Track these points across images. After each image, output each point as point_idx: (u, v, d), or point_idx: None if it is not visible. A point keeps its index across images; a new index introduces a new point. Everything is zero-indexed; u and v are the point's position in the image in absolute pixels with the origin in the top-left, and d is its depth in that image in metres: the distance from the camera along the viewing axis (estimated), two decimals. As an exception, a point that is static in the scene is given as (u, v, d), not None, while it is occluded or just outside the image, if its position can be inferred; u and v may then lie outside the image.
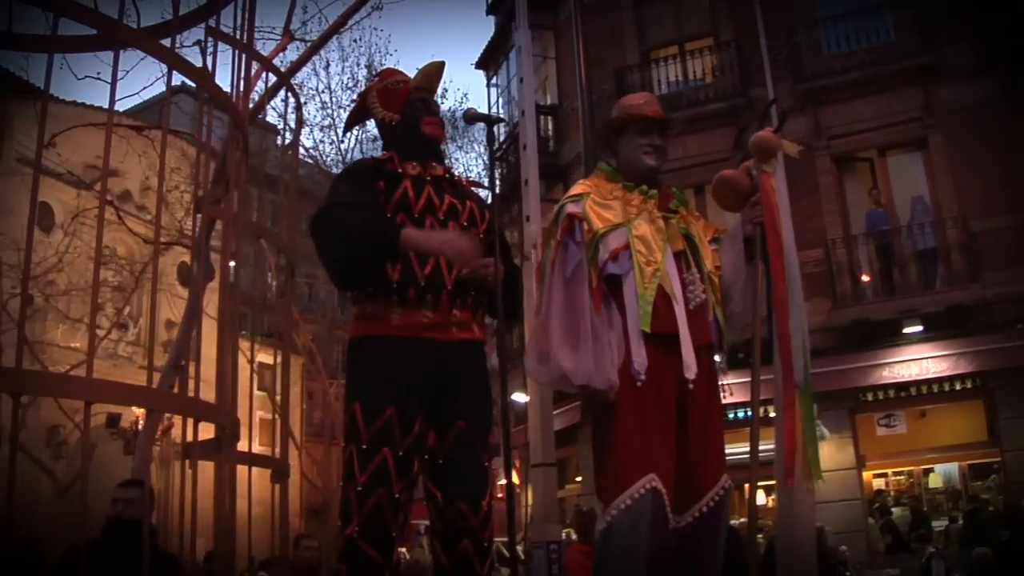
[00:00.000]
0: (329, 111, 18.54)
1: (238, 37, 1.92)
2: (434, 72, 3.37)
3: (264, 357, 22.94)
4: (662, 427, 3.09)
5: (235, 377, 1.78)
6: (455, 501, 2.92)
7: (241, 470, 2.00)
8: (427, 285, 2.98)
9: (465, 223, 3.16)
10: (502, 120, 3.25)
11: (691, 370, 3.12)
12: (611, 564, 2.99)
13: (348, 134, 17.05)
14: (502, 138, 18.44)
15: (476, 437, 3.00)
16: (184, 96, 22.83)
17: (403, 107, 3.25)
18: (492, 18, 20.64)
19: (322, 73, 21.49)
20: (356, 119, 3.64)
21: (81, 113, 13.87)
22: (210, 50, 1.96)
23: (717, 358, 3.45)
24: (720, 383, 3.40)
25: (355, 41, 21.04)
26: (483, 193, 3.45)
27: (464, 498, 2.93)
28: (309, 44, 8.48)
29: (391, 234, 2.95)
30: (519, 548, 9.27)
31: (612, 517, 2.99)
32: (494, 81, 19.88)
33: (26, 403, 13.86)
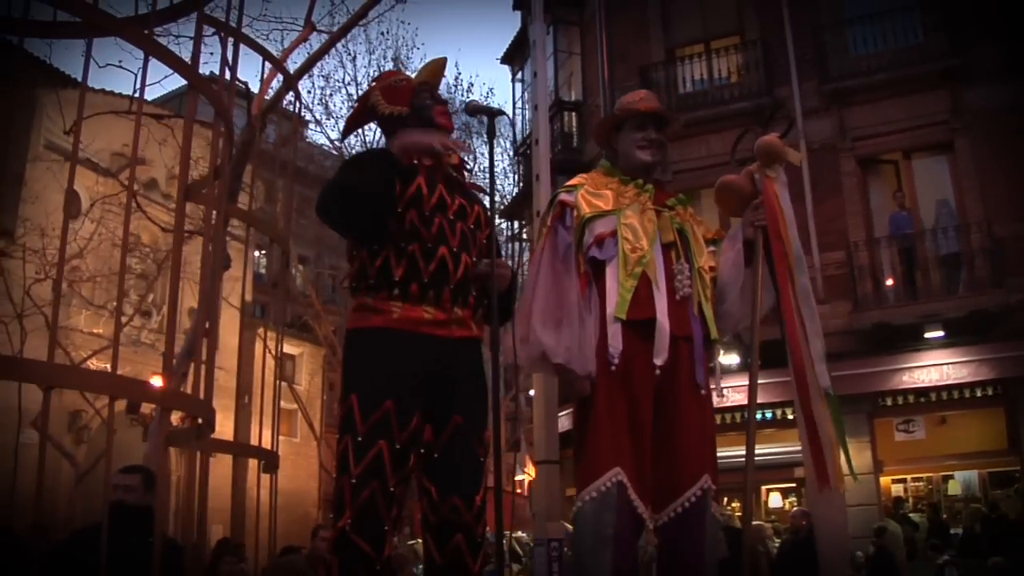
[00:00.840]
0: (355, 103, 18.58)
1: (239, 30, 1.94)
2: (438, 68, 3.38)
3: (285, 347, 23.11)
4: (634, 418, 3.10)
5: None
6: (449, 496, 2.90)
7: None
8: (430, 282, 2.97)
9: (472, 225, 3.16)
10: (503, 113, 3.24)
11: (661, 355, 3.12)
12: (579, 555, 3.05)
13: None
14: (526, 133, 18.42)
15: (472, 433, 2.98)
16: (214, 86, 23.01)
17: (411, 100, 3.23)
18: (518, 13, 20.62)
19: (349, 65, 21.54)
20: (358, 121, 3.57)
21: (108, 101, 13.99)
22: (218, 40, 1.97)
23: (732, 359, 3.44)
24: (719, 384, 3.38)
25: (382, 34, 21.16)
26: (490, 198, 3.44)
27: (458, 493, 2.91)
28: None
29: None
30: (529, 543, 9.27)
31: (578, 508, 3.04)
32: (519, 76, 19.87)
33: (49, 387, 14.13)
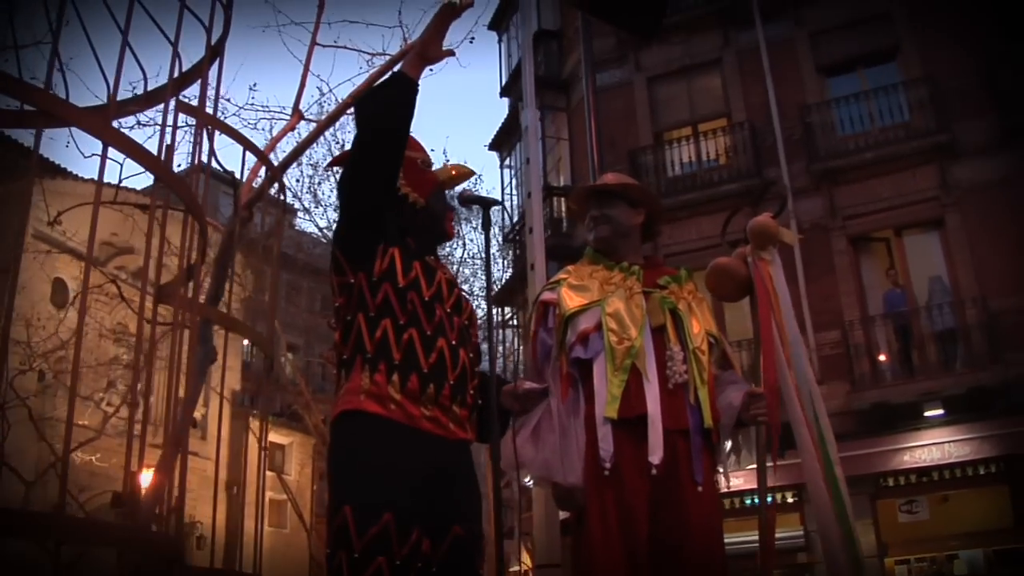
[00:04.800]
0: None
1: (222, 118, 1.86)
2: (463, 177, 3.17)
3: (275, 437, 22.81)
4: (627, 528, 2.86)
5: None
6: None
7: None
8: (430, 374, 2.73)
9: (449, 309, 2.90)
10: (498, 203, 3.07)
11: (656, 453, 2.88)
12: None
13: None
14: (515, 219, 18.46)
15: (471, 542, 2.76)
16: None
17: (429, 196, 3.01)
18: (506, 100, 20.87)
19: (337, 153, 21.66)
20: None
21: (93, 190, 13.95)
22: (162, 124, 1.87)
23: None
24: (728, 473, 3.14)
25: (371, 122, 21.22)
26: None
27: None
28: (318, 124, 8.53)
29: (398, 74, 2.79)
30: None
31: None
32: (507, 162, 19.98)
33: (32, 481, 13.75)
